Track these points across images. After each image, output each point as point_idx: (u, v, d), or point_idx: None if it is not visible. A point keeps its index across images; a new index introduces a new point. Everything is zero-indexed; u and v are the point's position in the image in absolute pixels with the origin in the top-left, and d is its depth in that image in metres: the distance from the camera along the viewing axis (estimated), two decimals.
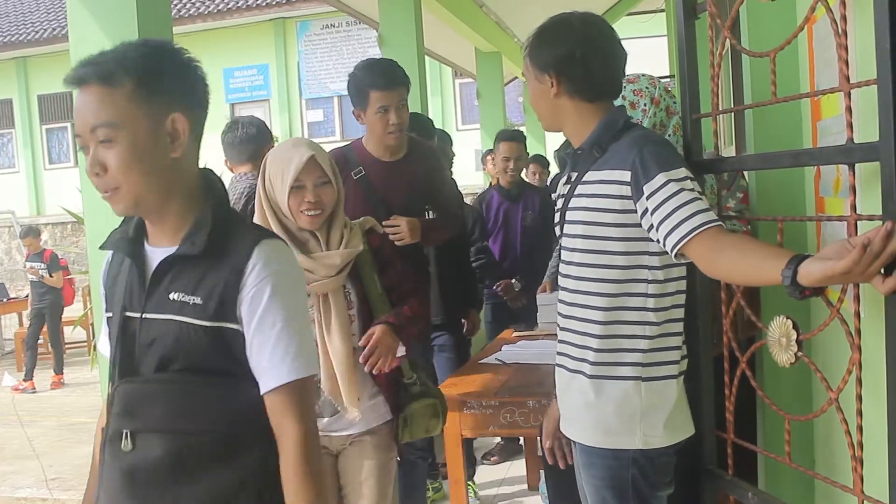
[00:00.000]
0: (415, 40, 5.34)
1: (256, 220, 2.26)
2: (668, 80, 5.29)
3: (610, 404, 1.80)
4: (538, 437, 2.15)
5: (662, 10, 9.12)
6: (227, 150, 3.35)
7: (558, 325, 1.93)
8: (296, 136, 2.86)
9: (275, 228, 2.20)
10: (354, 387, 2.24)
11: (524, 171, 6.70)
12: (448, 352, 3.77)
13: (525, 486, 4.02)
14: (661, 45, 9.42)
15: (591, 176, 1.82)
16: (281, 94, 16.50)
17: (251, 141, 3.30)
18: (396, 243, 2.91)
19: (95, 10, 2.58)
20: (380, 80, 2.98)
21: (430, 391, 2.42)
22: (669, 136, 2.13)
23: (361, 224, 2.37)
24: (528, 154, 5.02)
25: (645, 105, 2.18)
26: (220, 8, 15.83)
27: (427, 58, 6.27)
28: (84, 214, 2.75)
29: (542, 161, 6.32)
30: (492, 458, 4.53)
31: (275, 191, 2.21)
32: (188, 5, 15.93)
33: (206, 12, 15.75)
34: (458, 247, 3.83)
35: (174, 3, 15.38)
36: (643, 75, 2.24)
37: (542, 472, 3.58)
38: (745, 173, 2.46)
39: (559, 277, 1.92)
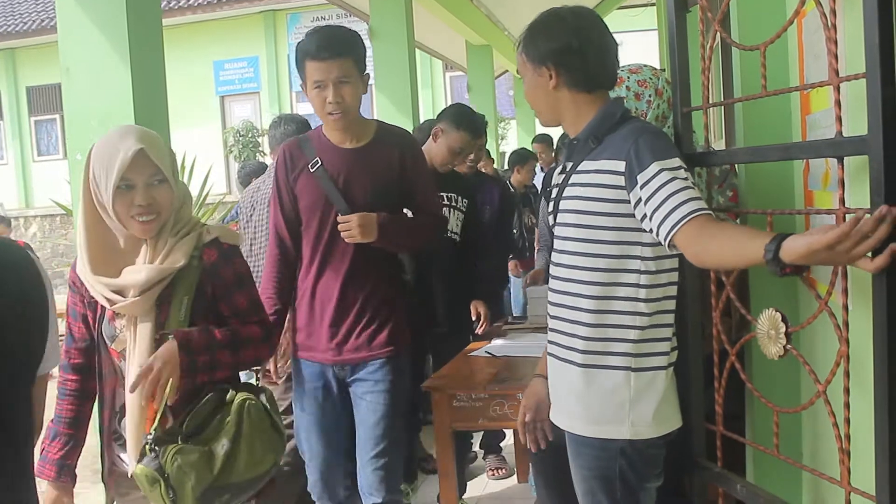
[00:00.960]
0: (405, 33, 5.34)
1: (80, 224, 1.88)
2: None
3: (599, 394, 1.81)
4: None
5: (653, 4, 9.13)
6: (270, 143, 3.84)
7: (549, 313, 1.93)
8: (126, 123, 2.34)
9: (97, 235, 1.86)
10: (141, 434, 1.82)
11: (521, 169, 6.70)
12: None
13: (515, 479, 4.03)
14: (651, 39, 9.43)
15: (586, 166, 1.83)
16: (271, 87, 16.43)
17: (290, 136, 3.68)
18: (347, 241, 2.49)
19: (84, 1, 2.56)
20: (312, 47, 2.41)
21: (158, 462, 1.78)
22: (669, 127, 2.14)
23: (202, 234, 1.91)
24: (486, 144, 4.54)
25: (650, 96, 2.19)
26: (209, 0, 15.74)
27: (418, 51, 6.26)
28: (73, 207, 2.74)
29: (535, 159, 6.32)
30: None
31: (100, 191, 1.82)
32: None
33: (195, 4, 15.65)
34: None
35: None
36: (645, 66, 2.24)
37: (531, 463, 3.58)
38: (738, 170, 2.46)
39: (551, 266, 1.93)
